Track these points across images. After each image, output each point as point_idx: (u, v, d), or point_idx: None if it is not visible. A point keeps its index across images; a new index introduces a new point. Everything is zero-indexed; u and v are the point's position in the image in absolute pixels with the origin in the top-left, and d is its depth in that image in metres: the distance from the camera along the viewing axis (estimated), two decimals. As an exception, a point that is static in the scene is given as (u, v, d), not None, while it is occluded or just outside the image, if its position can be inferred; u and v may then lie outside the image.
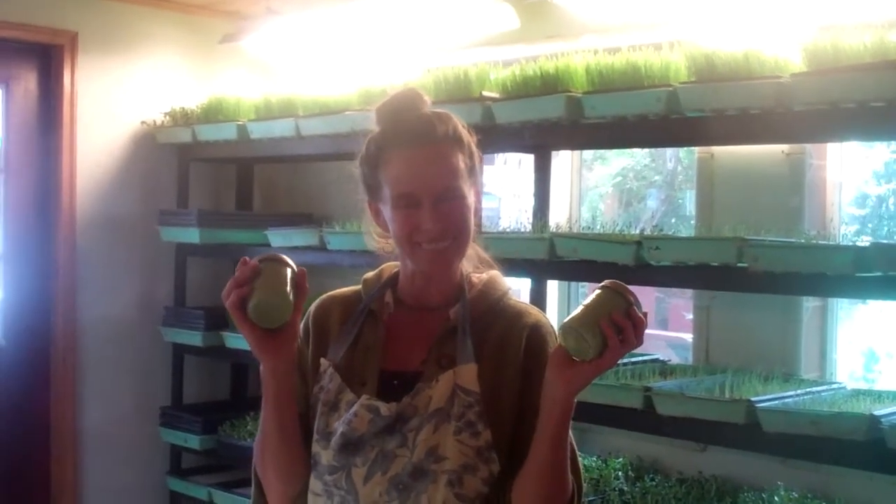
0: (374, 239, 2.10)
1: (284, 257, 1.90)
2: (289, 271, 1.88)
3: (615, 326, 1.77)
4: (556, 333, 1.81)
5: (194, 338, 5.24)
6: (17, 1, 4.99)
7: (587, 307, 1.80)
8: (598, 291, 1.83)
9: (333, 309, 2.13)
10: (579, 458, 2.00)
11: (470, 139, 2.02)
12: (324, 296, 2.17)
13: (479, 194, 2.05)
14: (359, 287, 2.14)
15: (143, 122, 5.47)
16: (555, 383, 1.82)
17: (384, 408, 1.94)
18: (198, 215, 5.17)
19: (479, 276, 2.09)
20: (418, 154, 1.94)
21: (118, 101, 5.39)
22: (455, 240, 1.97)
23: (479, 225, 2.09)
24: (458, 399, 1.93)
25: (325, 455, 1.98)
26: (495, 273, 2.12)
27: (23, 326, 5.18)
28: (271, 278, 1.86)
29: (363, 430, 1.94)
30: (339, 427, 1.96)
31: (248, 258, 1.88)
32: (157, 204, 5.49)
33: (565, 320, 1.80)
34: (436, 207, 1.92)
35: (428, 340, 2.02)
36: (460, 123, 2.02)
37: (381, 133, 2.01)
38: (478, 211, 2.05)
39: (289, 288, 1.87)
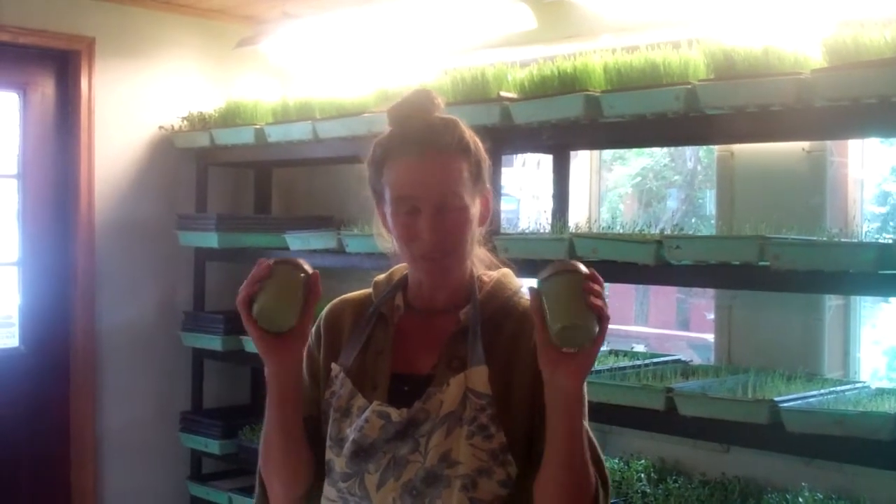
0: (385, 239, 2.08)
1: (300, 261, 1.90)
2: (301, 276, 1.88)
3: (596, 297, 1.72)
4: (553, 338, 1.74)
5: (214, 342, 5.24)
6: (34, 7, 5.00)
7: (563, 300, 1.72)
8: (553, 281, 1.75)
9: (345, 312, 2.12)
10: (600, 451, 1.95)
11: (477, 147, 2.00)
12: (336, 300, 2.17)
13: (487, 200, 2.03)
14: (371, 290, 2.14)
15: (160, 127, 5.48)
16: (561, 379, 1.76)
17: (395, 414, 1.93)
18: (216, 219, 5.17)
19: (489, 275, 2.07)
20: (421, 162, 1.92)
21: (136, 107, 5.40)
22: (451, 253, 1.95)
23: (491, 230, 2.09)
24: (469, 402, 1.91)
25: (338, 462, 1.97)
26: (506, 271, 2.11)
27: (42, 332, 5.19)
28: (280, 282, 1.87)
29: (375, 436, 1.93)
30: (350, 434, 1.95)
31: (265, 259, 1.88)
32: (175, 208, 5.49)
33: (554, 325, 1.72)
34: (434, 216, 1.91)
35: (438, 343, 2.00)
36: (468, 131, 2.00)
37: (387, 137, 1.99)
38: (485, 217, 2.03)
39: (299, 293, 1.87)
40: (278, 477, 2.04)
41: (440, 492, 1.87)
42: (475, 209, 1.98)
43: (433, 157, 1.92)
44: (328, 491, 1.99)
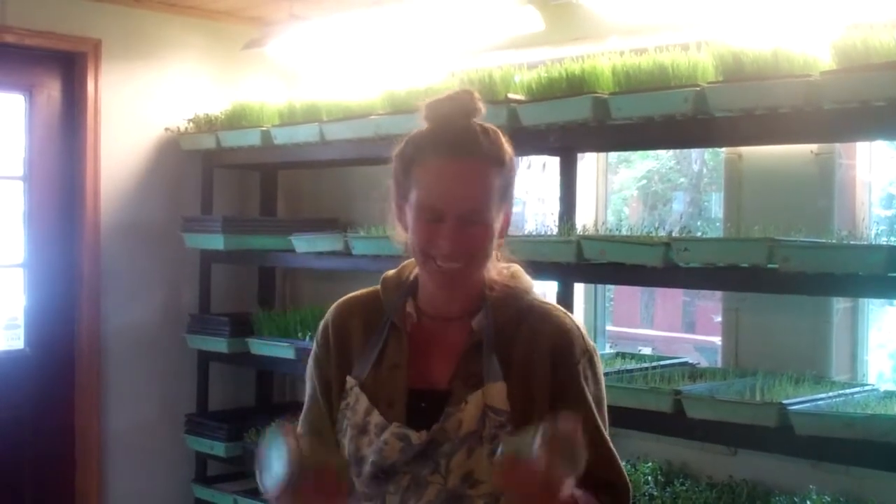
0: (399, 234, 2.01)
1: (276, 431, 1.77)
2: (292, 439, 1.76)
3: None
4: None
5: (219, 344, 5.22)
6: (40, 9, 5.00)
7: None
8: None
9: (353, 315, 2.06)
10: (617, 458, 1.96)
11: (511, 161, 1.94)
12: (341, 301, 2.11)
13: (508, 215, 1.98)
14: (377, 288, 2.07)
15: (166, 129, 5.47)
16: None
17: (415, 436, 1.89)
18: (222, 222, 5.17)
19: (500, 273, 2.02)
20: (453, 168, 1.86)
21: (142, 108, 5.40)
22: (468, 264, 1.90)
23: (502, 242, 2.02)
24: (488, 420, 1.88)
25: (357, 483, 1.93)
26: (516, 269, 2.05)
27: (47, 334, 5.19)
28: (273, 450, 1.76)
29: (394, 458, 1.89)
30: (370, 455, 1.91)
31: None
32: (181, 210, 5.49)
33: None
34: (457, 228, 1.85)
35: (453, 355, 1.96)
36: (507, 143, 1.94)
37: (422, 134, 1.93)
38: (503, 231, 1.98)
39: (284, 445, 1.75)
40: None
41: None
42: (498, 224, 1.93)
43: (466, 166, 1.87)
44: None
